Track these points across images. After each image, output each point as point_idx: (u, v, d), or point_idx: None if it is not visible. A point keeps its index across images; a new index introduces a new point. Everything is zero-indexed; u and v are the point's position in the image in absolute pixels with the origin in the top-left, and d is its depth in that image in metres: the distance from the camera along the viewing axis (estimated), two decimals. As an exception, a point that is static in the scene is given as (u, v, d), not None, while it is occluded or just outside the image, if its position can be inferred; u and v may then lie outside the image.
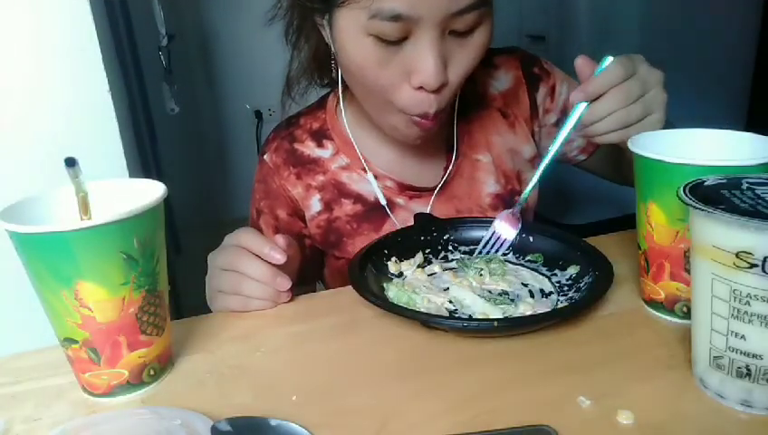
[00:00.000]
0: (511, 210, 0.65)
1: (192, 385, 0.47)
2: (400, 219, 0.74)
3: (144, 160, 1.40)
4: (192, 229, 2.03)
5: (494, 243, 0.64)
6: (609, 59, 0.57)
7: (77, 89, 0.82)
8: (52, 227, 0.40)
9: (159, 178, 0.60)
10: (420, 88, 0.59)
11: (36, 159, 0.82)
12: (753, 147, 0.48)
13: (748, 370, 0.38)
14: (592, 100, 0.57)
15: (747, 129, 0.50)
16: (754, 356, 0.37)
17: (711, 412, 0.39)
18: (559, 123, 0.79)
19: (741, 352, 0.38)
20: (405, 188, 0.74)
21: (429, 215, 0.73)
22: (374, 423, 0.40)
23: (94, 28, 0.80)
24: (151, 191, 0.45)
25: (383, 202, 0.73)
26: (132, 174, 0.91)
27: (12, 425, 0.43)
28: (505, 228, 0.64)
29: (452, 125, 0.75)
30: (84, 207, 0.45)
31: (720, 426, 0.38)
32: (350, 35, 0.58)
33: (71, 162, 0.43)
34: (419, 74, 0.57)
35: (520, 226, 0.64)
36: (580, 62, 0.58)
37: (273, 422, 0.40)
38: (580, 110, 0.58)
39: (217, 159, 2.54)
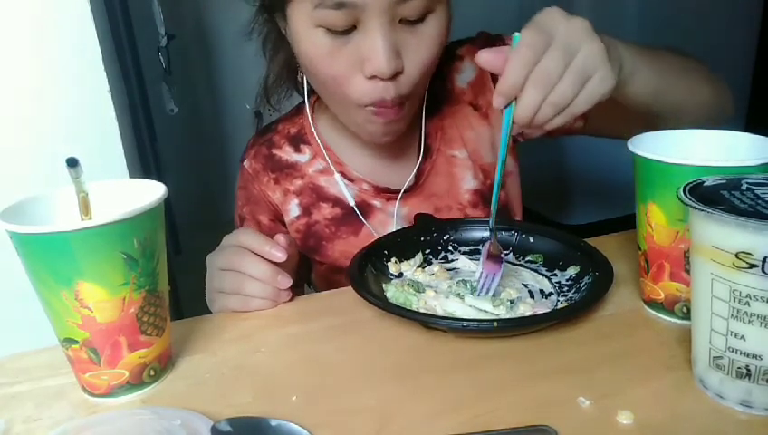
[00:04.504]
0: (488, 244, 0.57)
1: (192, 385, 0.47)
2: (377, 221, 0.74)
3: (144, 161, 1.40)
4: (192, 229, 2.03)
5: (485, 281, 0.56)
6: (518, 37, 0.47)
7: (77, 89, 0.82)
8: (52, 227, 0.40)
9: (159, 178, 0.60)
10: (374, 77, 0.58)
11: (37, 159, 0.82)
12: (753, 147, 0.48)
13: (748, 370, 0.38)
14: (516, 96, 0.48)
15: (747, 129, 0.50)
16: (754, 356, 0.37)
17: (711, 413, 0.39)
18: None
19: (740, 353, 0.38)
20: (381, 191, 0.74)
21: (429, 215, 0.73)
22: (374, 423, 0.40)
23: (94, 29, 0.80)
24: (152, 191, 0.45)
25: (351, 203, 0.73)
26: (132, 174, 0.91)
27: (12, 425, 0.43)
28: (491, 265, 0.56)
29: (420, 121, 0.74)
30: (85, 208, 0.45)
31: (720, 426, 0.38)
32: (302, 29, 0.59)
33: (72, 162, 0.43)
34: (371, 63, 0.57)
35: (503, 255, 0.57)
36: (484, 58, 0.49)
37: (274, 422, 0.40)
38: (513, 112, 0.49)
39: (217, 160, 2.54)
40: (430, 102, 0.74)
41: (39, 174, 0.81)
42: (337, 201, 0.74)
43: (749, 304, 0.36)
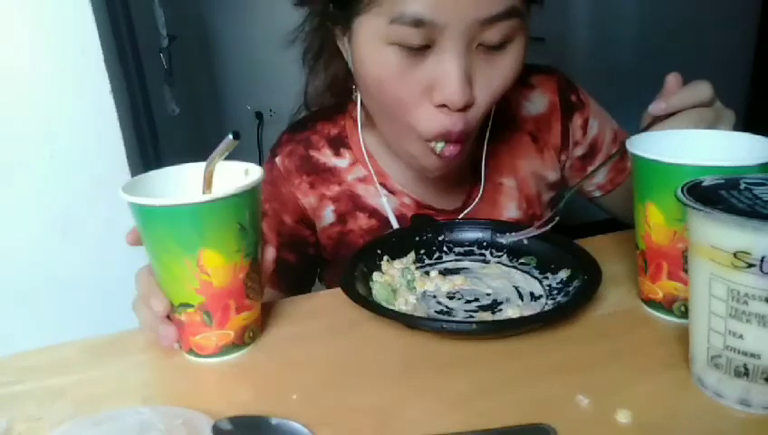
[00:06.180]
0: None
1: (193, 384, 0.47)
2: None
3: (146, 161, 1.41)
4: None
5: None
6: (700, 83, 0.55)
7: (79, 90, 0.82)
8: (181, 199, 0.43)
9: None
10: (442, 106, 0.55)
11: (39, 159, 0.82)
12: (752, 147, 0.48)
13: (746, 369, 0.38)
14: (667, 115, 0.54)
15: (745, 129, 0.50)
16: (752, 355, 0.37)
17: (709, 411, 0.40)
18: (585, 157, 0.77)
19: (739, 352, 0.38)
20: (422, 207, 0.71)
21: (427, 217, 0.72)
22: (374, 422, 0.41)
23: (96, 30, 0.81)
24: (251, 172, 0.50)
25: (395, 224, 0.70)
26: (133, 174, 0.91)
27: (13, 424, 0.43)
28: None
29: (480, 148, 0.70)
30: (209, 182, 0.48)
31: (718, 425, 0.39)
32: (370, 45, 0.55)
33: (236, 135, 0.45)
34: (442, 90, 0.53)
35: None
36: (672, 78, 0.55)
37: (274, 421, 0.40)
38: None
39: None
40: (492, 129, 0.70)
41: (40, 174, 0.82)
42: (374, 212, 0.71)
43: (747, 304, 0.36)
